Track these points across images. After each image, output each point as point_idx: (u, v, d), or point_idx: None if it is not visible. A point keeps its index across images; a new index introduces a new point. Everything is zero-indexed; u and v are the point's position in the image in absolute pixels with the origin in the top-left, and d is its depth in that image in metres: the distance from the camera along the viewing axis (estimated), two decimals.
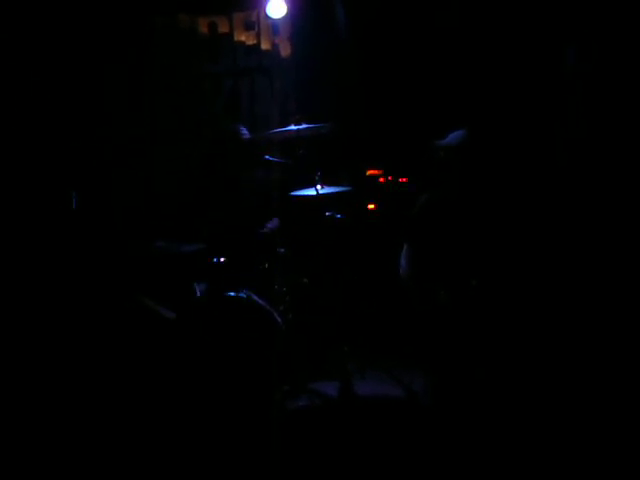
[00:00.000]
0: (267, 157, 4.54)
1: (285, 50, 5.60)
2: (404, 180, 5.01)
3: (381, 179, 5.06)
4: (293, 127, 4.36)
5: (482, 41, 5.06)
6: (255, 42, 5.55)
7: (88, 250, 3.60)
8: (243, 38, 5.53)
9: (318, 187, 4.28)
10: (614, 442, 3.28)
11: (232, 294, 4.03)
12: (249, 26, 5.53)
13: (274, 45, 5.57)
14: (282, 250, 4.34)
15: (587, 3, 4.50)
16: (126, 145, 5.23)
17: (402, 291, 3.99)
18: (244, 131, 4.54)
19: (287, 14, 5.25)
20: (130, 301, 3.75)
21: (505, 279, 3.62)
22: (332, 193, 4.34)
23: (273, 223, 4.49)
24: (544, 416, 3.43)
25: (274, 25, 5.54)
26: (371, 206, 5.05)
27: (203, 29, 5.44)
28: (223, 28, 5.49)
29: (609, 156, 4.34)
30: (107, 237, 4.19)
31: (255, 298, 4.07)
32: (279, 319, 4.02)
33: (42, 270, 3.58)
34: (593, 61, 4.43)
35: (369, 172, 5.09)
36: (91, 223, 4.12)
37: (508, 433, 3.37)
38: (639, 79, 4.26)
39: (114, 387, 3.66)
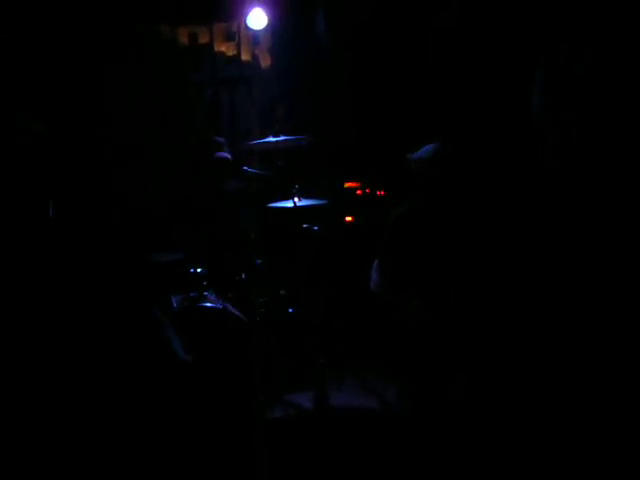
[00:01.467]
0: (245, 168, 4.55)
1: (265, 61, 5.63)
2: (381, 193, 5.05)
3: (359, 191, 5.09)
4: (272, 139, 4.38)
5: (463, 51, 5.09)
6: (235, 53, 5.58)
7: (65, 260, 3.59)
8: (223, 49, 5.57)
9: (296, 199, 4.30)
10: (604, 449, 3.33)
11: (208, 305, 4.04)
12: (229, 37, 5.56)
13: (254, 56, 5.61)
14: (259, 261, 4.36)
15: (577, 6, 4.53)
16: (108, 154, 5.23)
17: (378, 302, 4.02)
18: (221, 140, 4.55)
19: (267, 25, 5.29)
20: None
21: (481, 289, 3.65)
22: (310, 205, 4.37)
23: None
24: (523, 421, 3.47)
25: (254, 36, 5.58)
26: (349, 218, 5.08)
27: (184, 39, 5.47)
28: (203, 38, 5.52)
29: (600, 163, 4.36)
30: (85, 246, 4.17)
31: (231, 309, 4.08)
32: (255, 330, 4.03)
33: (15, 281, 3.56)
34: (585, 64, 4.44)
35: (347, 184, 5.13)
36: (69, 232, 4.10)
37: (486, 439, 3.41)
38: (633, 82, 4.29)
39: (89, 399, 3.65)
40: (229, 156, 4.53)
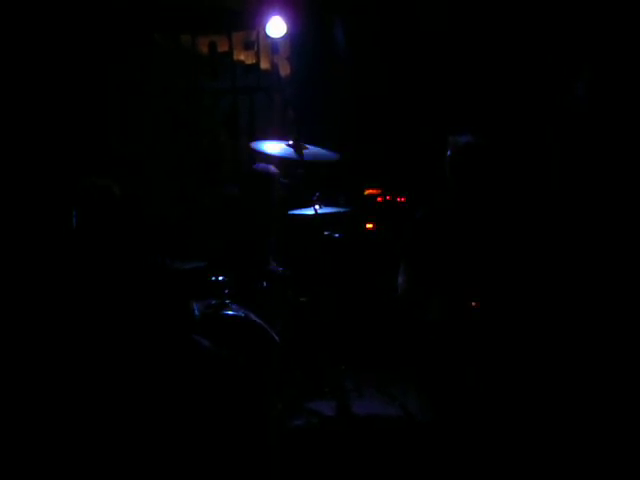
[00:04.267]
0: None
1: (284, 69, 5.64)
2: (402, 200, 5.04)
3: (379, 199, 5.08)
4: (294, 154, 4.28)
5: (480, 59, 5.10)
6: (254, 61, 5.60)
7: (89, 269, 3.59)
8: (242, 57, 5.58)
9: (317, 207, 4.30)
10: (612, 451, 3.31)
11: (230, 313, 4.04)
12: (248, 45, 5.58)
13: (273, 64, 5.62)
14: (280, 269, 4.35)
15: (582, 23, 4.55)
16: (125, 160, 5.26)
17: (399, 309, 4.01)
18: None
19: (287, 34, 5.31)
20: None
21: (504, 296, 3.64)
22: (331, 213, 4.37)
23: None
24: (543, 428, 3.45)
25: (273, 45, 5.59)
26: (369, 225, 5.07)
27: (203, 48, 5.49)
28: (223, 47, 5.54)
29: (606, 175, 4.38)
30: (108, 254, 4.18)
31: (253, 317, 4.08)
32: (276, 338, 4.03)
33: (38, 289, 3.57)
34: (588, 84, 4.48)
35: (367, 192, 5.12)
36: (92, 240, 4.11)
37: (508, 445, 3.39)
38: (634, 100, 4.32)
39: (102, 401, 3.64)
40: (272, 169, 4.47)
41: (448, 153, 3.80)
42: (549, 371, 3.62)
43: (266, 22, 5.22)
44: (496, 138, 4.07)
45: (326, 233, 4.41)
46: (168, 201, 5.25)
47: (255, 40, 5.58)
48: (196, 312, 4.04)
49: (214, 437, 3.64)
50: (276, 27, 5.22)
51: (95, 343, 3.42)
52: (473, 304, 3.58)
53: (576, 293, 4.02)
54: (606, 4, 4.45)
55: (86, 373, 3.39)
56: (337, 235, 4.42)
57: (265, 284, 4.29)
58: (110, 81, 5.26)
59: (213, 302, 4.10)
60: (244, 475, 3.48)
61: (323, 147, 4.31)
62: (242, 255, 4.37)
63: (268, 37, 5.41)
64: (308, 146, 4.20)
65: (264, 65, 5.60)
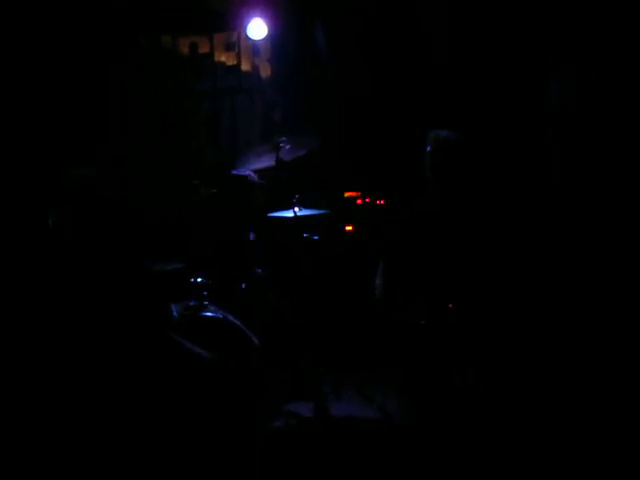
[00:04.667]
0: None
1: (265, 71, 5.64)
2: (381, 202, 5.06)
3: (359, 201, 5.10)
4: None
5: (467, 58, 5.12)
6: (235, 63, 5.59)
7: (66, 270, 3.57)
8: (223, 59, 5.58)
9: (296, 209, 4.31)
10: (603, 451, 3.34)
11: (208, 314, 4.04)
12: (230, 47, 5.58)
13: (254, 66, 5.61)
14: (259, 270, 4.36)
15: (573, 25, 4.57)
16: (110, 160, 5.23)
17: (377, 311, 4.02)
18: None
19: (267, 35, 5.31)
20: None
21: (484, 300, 3.65)
22: (310, 215, 4.38)
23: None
24: (526, 428, 3.47)
25: (255, 46, 5.58)
26: (349, 228, 5.08)
27: (184, 49, 5.48)
28: (204, 48, 5.53)
29: (602, 176, 4.39)
30: (87, 255, 4.16)
31: (231, 318, 4.07)
32: (255, 340, 4.03)
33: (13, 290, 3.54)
34: (577, 83, 4.48)
35: (347, 194, 5.13)
36: (69, 241, 4.09)
37: (490, 445, 3.40)
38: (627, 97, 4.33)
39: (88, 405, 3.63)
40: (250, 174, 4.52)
41: (427, 149, 3.78)
42: (532, 372, 3.64)
43: (247, 24, 5.23)
44: (477, 136, 4.07)
45: (305, 235, 4.42)
46: (151, 202, 5.23)
47: (236, 42, 5.58)
48: (174, 313, 4.03)
49: (198, 438, 3.64)
50: (257, 29, 5.23)
51: (73, 345, 3.40)
52: (450, 306, 3.59)
53: (563, 293, 4.04)
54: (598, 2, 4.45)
55: (66, 375, 3.37)
56: (316, 237, 4.43)
57: (244, 286, 4.29)
58: (98, 82, 5.23)
59: (192, 303, 4.10)
60: (228, 475, 3.47)
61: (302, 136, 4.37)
62: (221, 257, 4.37)
63: (249, 39, 5.41)
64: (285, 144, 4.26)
65: (245, 67, 5.60)
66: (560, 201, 4.48)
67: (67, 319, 3.39)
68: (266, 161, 4.45)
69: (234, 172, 4.52)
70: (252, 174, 4.48)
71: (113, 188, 5.03)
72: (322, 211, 4.51)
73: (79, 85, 5.12)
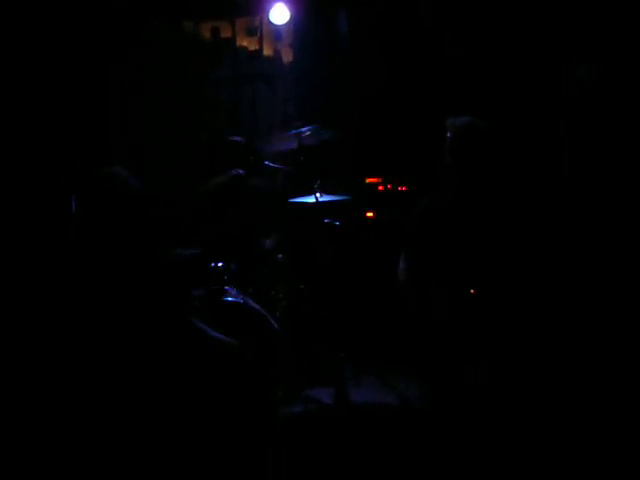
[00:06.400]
0: (267, 163, 4.55)
1: (287, 56, 5.62)
2: (403, 188, 5.04)
3: (380, 187, 5.08)
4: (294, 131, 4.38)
5: (487, 51, 5.08)
6: (257, 48, 5.58)
7: (88, 255, 3.58)
8: (245, 43, 5.57)
9: (317, 195, 4.31)
10: (613, 446, 3.32)
11: (229, 299, 4.05)
12: (252, 32, 5.56)
13: (276, 51, 5.60)
14: (280, 256, 4.36)
15: (592, 21, 4.53)
16: (126, 148, 5.25)
17: (398, 298, 4.01)
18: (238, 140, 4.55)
19: (290, 21, 5.29)
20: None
21: (505, 287, 3.64)
22: (331, 201, 4.37)
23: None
24: (543, 420, 3.46)
25: (277, 31, 5.56)
26: (370, 214, 5.07)
27: (206, 34, 5.48)
28: (226, 33, 5.52)
29: (613, 169, 4.37)
30: (107, 240, 4.18)
31: (252, 304, 4.08)
32: (275, 325, 4.03)
33: (36, 276, 3.57)
34: (596, 78, 4.46)
35: (368, 180, 5.12)
36: (91, 226, 4.11)
37: (507, 436, 3.39)
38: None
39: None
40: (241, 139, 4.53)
41: (448, 135, 3.76)
42: (547, 364, 3.62)
43: (269, 8, 5.20)
44: (497, 123, 4.04)
45: (326, 221, 4.41)
46: (172, 188, 5.24)
47: (258, 26, 5.56)
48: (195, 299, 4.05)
49: (219, 423, 3.65)
50: (279, 14, 5.20)
51: (94, 337, 3.42)
52: (472, 291, 3.57)
53: (581, 284, 4.02)
54: None
55: (87, 367, 3.39)
56: (337, 223, 4.42)
57: (265, 271, 4.30)
58: (110, 74, 5.24)
59: (212, 288, 4.11)
60: (248, 460, 3.49)
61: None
62: (242, 242, 4.38)
63: (271, 24, 5.38)
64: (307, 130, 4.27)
65: (267, 52, 5.58)
66: (571, 191, 4.47)
67: (92, 306, 3.41)
68: (288, 144, 4.45)
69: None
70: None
71: (136, 180, 5.08)
72: (343, 197, 4.50)
73: (95, 75, 5.13)
